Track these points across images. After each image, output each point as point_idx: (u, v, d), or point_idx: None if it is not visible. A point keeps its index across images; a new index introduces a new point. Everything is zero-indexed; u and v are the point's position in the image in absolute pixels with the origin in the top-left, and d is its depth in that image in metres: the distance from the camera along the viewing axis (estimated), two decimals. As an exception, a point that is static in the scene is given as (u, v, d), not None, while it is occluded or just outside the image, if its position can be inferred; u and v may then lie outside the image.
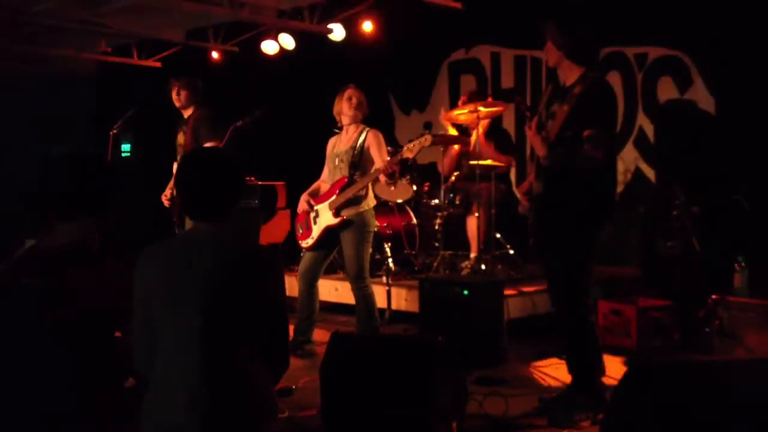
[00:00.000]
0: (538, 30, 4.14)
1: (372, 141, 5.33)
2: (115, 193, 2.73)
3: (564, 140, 3.93)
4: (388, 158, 5.20)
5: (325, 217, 5.35)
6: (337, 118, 5.45)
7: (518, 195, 4.30)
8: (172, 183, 6.14)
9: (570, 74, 4.06)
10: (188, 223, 5.84)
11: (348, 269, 5.36)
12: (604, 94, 4.05)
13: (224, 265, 2.54)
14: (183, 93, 6.04)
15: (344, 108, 5.37)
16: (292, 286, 6.04)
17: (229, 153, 2.96)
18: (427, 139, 5.10)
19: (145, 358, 2.53)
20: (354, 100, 5.35)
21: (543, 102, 4.24)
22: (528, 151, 7.75)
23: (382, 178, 5.12)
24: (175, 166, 6.19)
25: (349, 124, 5.41)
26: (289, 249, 6.78)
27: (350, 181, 5.27)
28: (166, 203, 6.08)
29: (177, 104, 6.09)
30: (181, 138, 6.10)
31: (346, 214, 5.28)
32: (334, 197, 5.31)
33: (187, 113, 6.09)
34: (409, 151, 5.11)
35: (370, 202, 5.36)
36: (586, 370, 4.10)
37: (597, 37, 4.45)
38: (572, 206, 3.99)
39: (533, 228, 4.23)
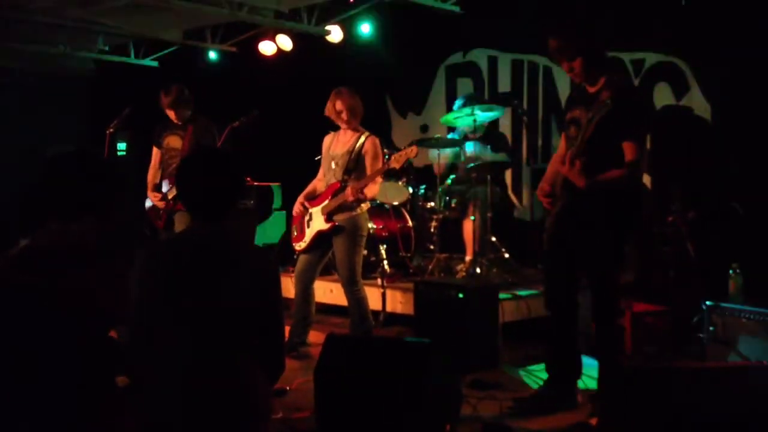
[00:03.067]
0: (536, 35, 4.10)
1: (369, 149, 5.29)
2: (115, 193, 2.73)
3: (595, 148, 3.80)
4: (355, 184, 5.14)
5: (317, 222, 5.34)
6: (332, 119, 5.43)
7: (539, 196, 4.24)
8: (152, 185, 6.13)
9: (593, 79, 3.96)
10: (179, 224, 5.82)
11: (340, 273, 5.36)
12: (641, 102, 3.97)
13: (222, 264, 2.55)
14: (172, 113, 5.99)
15: (335, 119, 5.35)
16: (287, 287, 6.05)
17: (227, 152, 2.98)
18: (413, 150, 5.15)
19: (140, 356, 2.53)
20: (344, 115, 5.28)
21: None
22: (524, 154, 7.77)
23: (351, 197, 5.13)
24: (155, 167, 6.17)
25: (347, 129, 5.40)
26: (285, 250, 6.78)
27: (343, 187, 5.26)
28: (160, 204, 6.03)
29: (175, 120, 6.03)
30: (175, 141, 6.04)
31: (338, 219, 5.26)
32: (326, 202, 5.30)
33: (183, 119, 6.05)
34: (395, 162, 5.14)
35: (364, 206, 5.35)
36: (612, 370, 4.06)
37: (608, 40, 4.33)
38: (607, 222, 3.93)
39: (551, 236, 4.18)
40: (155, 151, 6.19)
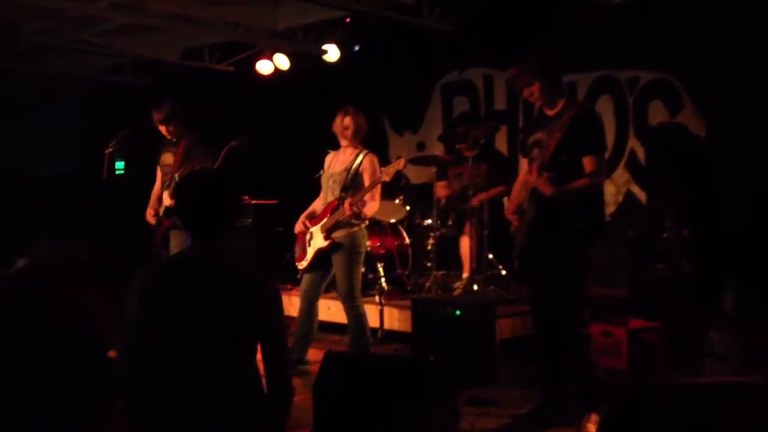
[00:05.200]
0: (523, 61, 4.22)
1: (367, 167, 5.32)
2: (106, 214, 2.76)
3: (558, 165, 3.98)
4: (351, 199, 5.16)
5: (317, 240, 5.37)
6: (337, 136, 5.48)
7: (507, 216, 4.34)
8: (153, 202, 6.14)
9: (552, 102, 4.18)
10: (174, 244, 5.83)
11: (339, 289, 5.38)
12: (596, 120, 4.23)
13: (220, 285, 2.56)
14: (172, 127, 5.94)
15: (340, 135, 5.40)
16: (286, 306, 6.05)
17: (225, 173, 2.99)
18: (401, 162, 5.19)
19: (131, 376, 2.54)
20: (349, 132, 5.34)
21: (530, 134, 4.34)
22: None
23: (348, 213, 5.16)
24: (157, 186, 6.19)
25: (347, 147, 5.45)
26: (287, 268, 6.79)
27: (340, 203, 5.28)
28: (152, 221, 6.04)
29: (168, 136, 6.00)
30: (169, 158, 6.03)
31: (336, 235, 5.29)
32: (325, 219, 5.33)
33: (178, 135, 6.02)
34: (386, 175, 5.16)
35: (362, 222, 5.38)
36: (586, 382, 4.13)
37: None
38: (570, 228, 4.07)
39: (522, 251, 4.27)
40: (158, 170, 6.19)
